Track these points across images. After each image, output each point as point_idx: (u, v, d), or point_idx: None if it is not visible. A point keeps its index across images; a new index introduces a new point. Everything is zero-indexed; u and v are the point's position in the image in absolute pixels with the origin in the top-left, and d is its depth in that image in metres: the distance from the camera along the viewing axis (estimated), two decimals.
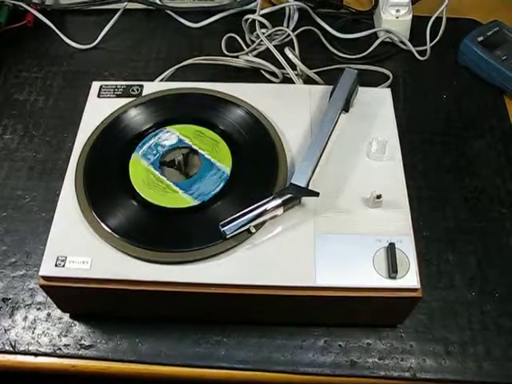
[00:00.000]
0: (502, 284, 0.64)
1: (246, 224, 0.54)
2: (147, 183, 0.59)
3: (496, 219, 0.69)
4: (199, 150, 0.61)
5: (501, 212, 0.70)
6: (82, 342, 0.61)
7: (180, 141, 0.62)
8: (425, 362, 0.60)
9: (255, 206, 0.54)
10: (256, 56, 0.83)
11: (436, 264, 0.66)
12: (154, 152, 0.61)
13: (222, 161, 0.60)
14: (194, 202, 0.57)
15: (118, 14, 0.87)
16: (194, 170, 0.60)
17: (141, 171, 0.60)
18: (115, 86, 0.67)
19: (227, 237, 0.53)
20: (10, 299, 0.64)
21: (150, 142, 0.62)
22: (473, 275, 0.65)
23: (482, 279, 0.65)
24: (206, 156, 0.60)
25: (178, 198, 0.58)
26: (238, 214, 0.54)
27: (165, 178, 0.59)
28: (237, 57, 0.84)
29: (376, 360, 0.60)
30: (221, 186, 0.58)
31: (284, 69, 0.79)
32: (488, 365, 0.59)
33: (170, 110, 0.65)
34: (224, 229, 0.53)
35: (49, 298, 0.62)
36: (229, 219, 0.54)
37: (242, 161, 0.60)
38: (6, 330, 0.62)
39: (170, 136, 0.62)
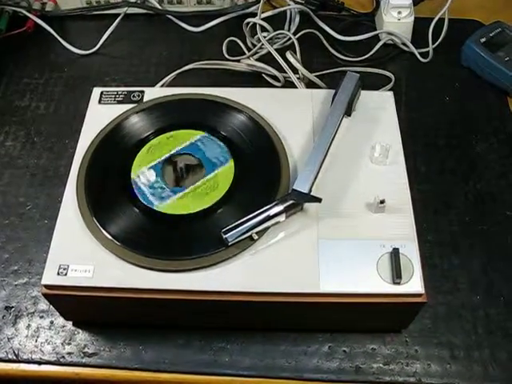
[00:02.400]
0: (507, 287, 0.64)
1: (248, 231, 0.53)
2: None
3: (501, 222, 0.69)
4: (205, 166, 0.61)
5: (505, 215, 0.69)
6: (86, 349, 0.61)
7: (196, 149, 0.62)
8: (430, 366, 0.59)
9: (257, 212, 0.54)
10: (257, 60, 0.83)
11: (440, 268, 0.65)
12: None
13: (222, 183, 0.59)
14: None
15: (118, 19, 0.87)
16: (187, 183, 0.60)
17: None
18: (116, 92, 0.67)
19: (229, 244, 0.53)
20: (12, 307, 0.64)
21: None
22: (478, 279, 0.65)
23: (487, 283, 0.64)
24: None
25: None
26: (239, 221, 0.54)
27: (154, 173, 0.59)
28: (238, 61, 0.84)
29: (381, 365, 0.59)
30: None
31: (286, 72, 0.79)
32: (493, 369, 0.59)
33: (171, 116, 0.64)
34: (226, 236, 0.53)
35: (52, 306, 0.62)
36: (231, 226, 0.54)
37: (244, 166, 0.60)
38: (9, 339, 0.61)
39: (188, 140, 0.62)
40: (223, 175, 0.59)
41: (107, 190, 0.59)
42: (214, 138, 0.62)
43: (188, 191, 0.58)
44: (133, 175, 0.60)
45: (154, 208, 0.57)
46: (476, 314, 0.62)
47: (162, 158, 0.61)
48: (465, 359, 0.60)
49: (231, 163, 0.60)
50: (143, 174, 0.59)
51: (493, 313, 0.62)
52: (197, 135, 0.63)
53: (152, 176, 0.59)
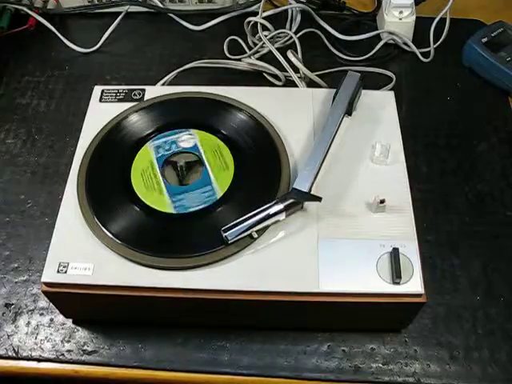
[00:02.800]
0: (507, 288, 0.64)
1: (248, 229, 0.53)
2: (143, 174, 0.59)
3: (501, 222, 0.69)
4: (206, 164, 0.60)
5: (506, 215, 0.69)
6: (85, 347, 0.61)
7: (195, 147, 0.62)
8: (429, 366, 0.59)
9: (257, 211, 0.54)
10: (258, 59, 0.83)
11: (440, 268, 0.65)
12: (167, 148, 0.61)
13: (221, 184, 0.59)
14: (171, 210, 0.57)
15: (119, 18, 0.87)
16: (191, 180, 0.60)
17: (144, 161, 0.60)
18: (117, 90, 0.67)
19: (229, 242, 0.53)
20: (12, 304, 0.64)
21: (169, 138, 0.62)
22: (477, 279, 0.64)
23: (487, 283, 0.64)
24: (209, 172, 0.60)
25: (159, 199, 0.58)
26: (240, 219, 0.54)
27: (160, 176, 0.59)
28: (239, 60, 0.84)
29: (380, 365, 0.59)
30: (202, 206, 0.57)
31: (287, 71, 0.79)
32: (493, 369, 0.59)
33: (171, 115, 0.64)
34: (226, 234, 0.53)
35: (51, 304, 0.62)
36: (231, 224, 0.54)
37: (244, 165, 0.60)
38: (9, 336, 0.62)
39: (189, 139, 0.62)
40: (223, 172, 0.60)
41: (107, 188, 0.59)
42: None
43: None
44: (133, 175, 0.59)
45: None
46: (476, 315, 0.62)
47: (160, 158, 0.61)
48: (464, 360, 0.60)
49: (231, 159, 0.61)
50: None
51: (492, 313, 0.62)
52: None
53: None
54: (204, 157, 0.61)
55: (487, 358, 0.60)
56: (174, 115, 0.64)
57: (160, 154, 0.61)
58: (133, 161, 0.61)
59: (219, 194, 0.58)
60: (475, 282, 0.64)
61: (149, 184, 0.58)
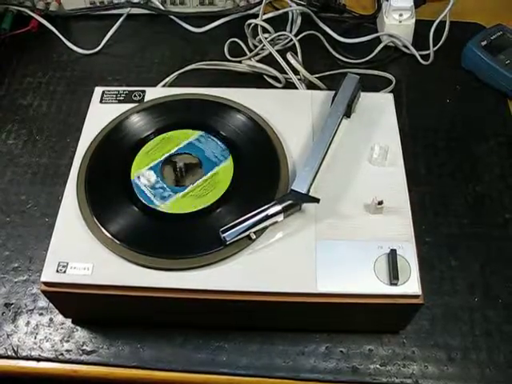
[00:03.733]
0: (505, 290, 0.64)
1: (246, 230, 0.54)
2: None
3: (499, 224, 0.69)
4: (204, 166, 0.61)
5: (504, 217, 0.69)
6: (84, 347, 0.61)
7: (199, 150, 0.62)
8: (427, 368, 0.59)
9: (255, 212, 0.54)
10: (259, 61, 0.83)
11: (439, 269, 0.65)
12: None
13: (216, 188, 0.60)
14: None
15: (121, 20, 0.88)
16: (187, 182, 0.60)
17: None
18: (117, 91, 0.67)
19: (227, 243, 0.53)
20: (12, 304, 0.64)
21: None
22: (476, 281, 0.65)
23: (485, 285, 0.64)
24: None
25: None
26: (238, 220, 0.54)
27: (153, 174, 0.60)
28: (239, 62, 0.84)
29: (378, 366, 0.60)
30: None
31: (287, 73, 0.79)
32: (491, 371, 0.59)
33: (171, 116, 0.65)
34: (224, 235, 0.53)
35: (51, 303, 0.62)
36: (229, 225, 0.54)
37: (243, 166, 0.60)
38: (8, 335, 0.62)
39: (188, 139, 0.63)
40: (222, 174, 0.60)
41: (107, 189, 0.59)
42: (211, 136, 0.63)
43: (188, 191, 0.59)
44: (133, 176, 0.60)
45: (156, 208, 0.57)
46: (473, 316, 0.62)
47: (161, 158, 0.61)
48: (462, 361, 0.60)
49: (230, 161, 0.61)
50: (143, 176, 0.60)
51: (490, 315, 0.62)
52: (194, 134, 0.63)
53: (152, 177, 0.60)
54: (203, 159, 0.61)
55: (485, 359, 0.60)
56: (174, 117, 0.65)
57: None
58: (133, 162, 0.61)
59: (212, 201, 0.58)
60: (473, 284, 0.64)
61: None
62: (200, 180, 0.60)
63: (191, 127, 0.64)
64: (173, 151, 0.62)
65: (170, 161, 0.61)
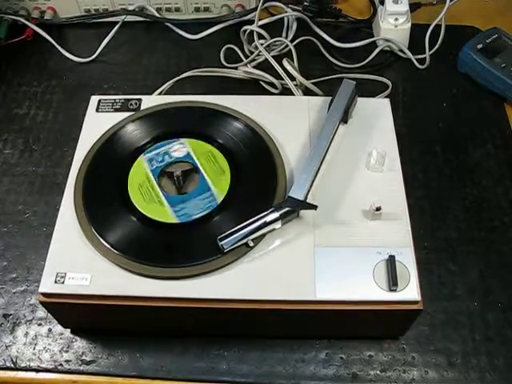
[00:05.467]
0: (504, 294, 0.64)
1: (243, 238, 0.54)
2: (140, 187, 0.59)
3: (498, 228, 0.69)
4: (202, 171, 0.61)
5: (502, 221, 0.69)
6: (84, 357, 0.61)
7: (188, 156, 0.62)
8: (427, 373, 0.59)
9: (253, 219, 0.54)
10: (255, 67, 0.84)
11: (437, 274, 0.65)
12: (160, 159, 0.61)
13: (220, 188, 0.59)
14: (174, 220, 0.57)
15: (116, 27, 0.88)
16: (189, 188, 0.60)
17: (140, 174, 0.60)
18: (114, 100, 0.67)
19: (225, 251, 0.53)
20: (10, 315, 0.64)
21: (161, 149, 0.62)
22: (475, 285, 0.65)
23: (485, 289, 0.64)
24: (206, 178, 0.60)
25: (161, 211, 0.58)
26: (235, 228, 0.54)
27: (158, 188, 0.59)
28: (236, 68, 0.84)
29: (378, 372, 0.59)
30: (205, 212, 0.57)
31: (283, 79, 0.79)
32: (491, 376, 0.59)
33: (167, 124, 0.65)
34: (222, 243, 0.53)
35: (50, 314, 0.62)
36: (227, 233, 0.54)
37: (240, 174, 0.60)
38: (7, 347, 0.62)
39: (181, 148, 0.62)
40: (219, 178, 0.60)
41: (105, 199, 0.59)
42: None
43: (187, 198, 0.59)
44: (130, 188, 0.60)
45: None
46: (473, 321, 0.62)
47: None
48: (462, 366, 0.60)
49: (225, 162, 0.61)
50: None
51: (490, 319, 0.62)
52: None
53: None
54: (198, 163, 0.61)
55: (485, 364, 0.60)
56: (170, 125, 0.65)
57: (154, 167, 0.61)
58: (130, 171, 0.61)
59: (219, 198, 0.58)
60: (472, 288, 0.64)
61: (148, 197, 0.58)
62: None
63: (188, 136, 0.63)
64: (164, 162, 0.62)
65: (164, 172, 0.61)
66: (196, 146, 0.63)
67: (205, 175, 0.60)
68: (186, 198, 0.59)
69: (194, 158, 0.62)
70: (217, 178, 0.60)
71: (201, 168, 0.61)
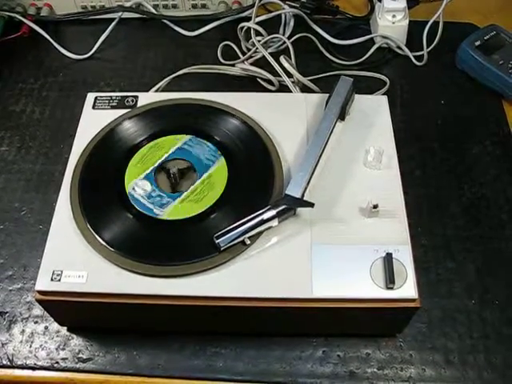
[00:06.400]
0: (502, 291, 0.64)
1: (240, 236, 0.53)
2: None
3: (495, 226, 0.69)
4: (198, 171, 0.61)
5: (500, 218, 0.69)
6: (80, 355, 0.61)
7: (190, 154, 0.62)
8: (424, 371, 0.59)
9: (249, 217, 0.54)
10: (252, 64, 0.83)
11: (435, 272, 0.65)
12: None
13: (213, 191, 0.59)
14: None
15: (113, 24, 0.87)
16: (184, 187, 0.60)
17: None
18: (110, 97, 0.67)
19: (222, 249, 0.53)
20: (7, 313, 0.64)
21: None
22: (472, 283, 0.65)
23: (482, 287, 0.64)
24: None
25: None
26: (232, 226, 0.54)
27: (154, 185, 0.59)
28: (233, 65, 0.84)
29: (375, 370, 0.59)
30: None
31: (280, 76, 0.79)
32: (488, 374, 0.59)
33: (163, 122, 0.64)
34: (218, 241, 0.53)
35: (46, 312, 0.62)
36: (223, 231, 0.54)
37: (237, 171, 0.60)
38: (3, 344, 0.61)
39: (179, 145, 0.62)
40: (216, 177, 0.60)
41: (101, 196, 0.59)
42: (200, 139, 0.63)
43: (186, 196, 0.58)
44: (127, 185, 0.59)
45: (157, 217, 0.57)
46: (471, 319, 0.62)
47: (153, 166, 0.61)
48: (459, 364, 0.60)
49: (223, 161, 0.61)
50: (138, 186, 0.59)
51: (488, 317, 0.62)
52: (183, 139, 0.63)
53: (147, 186, 0.59)
54: (195, 161, 0.61)
55: (483, 362, 0.60)
56: (166, 122, 0.64)
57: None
58: (126, 168, 0.61)
59: (211, 202, 0.58)
60: (470, 286, 0.64)
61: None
62: (196, 183, 0.59)
63: (184, 132, 0.63)
64: (163, 158, 0.61)
65: (162, 168, 0.61)
66: (193, 144, 0.62)
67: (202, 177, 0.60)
68: (176, 197, 0.58)
69: (192, 158, 0.61)
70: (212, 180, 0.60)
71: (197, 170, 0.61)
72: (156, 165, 0.61)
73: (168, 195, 0.58)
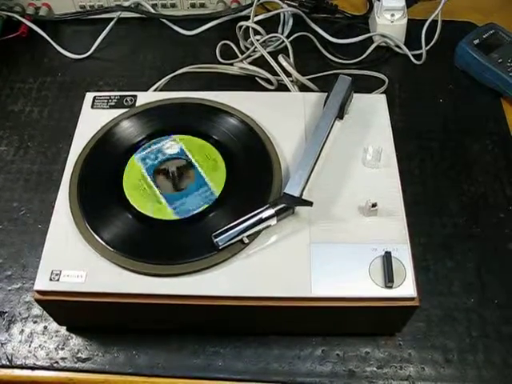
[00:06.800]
0: (501, 290, 0.64)
1: (238, 234, 0.53)
2: (137, 187, 0.59)
3: (494, 224, 0.69)
4: (196, 166, 0.60)
5: (499, 217, 0.69)
6: (79, 354, 0.61)
7: (182, 152, 0.62)
8: (424, 370, 0.59)
9: (248, 216, 0.54)
10: (251, 63, 0.83)
11: (434, 270, 0.65)
12: (153, 157, 0.61)
13: (216, 182, 0.59)
14: (173, 217, 0.57)
15: (111, 23, 0.87)
16: (185, 184, 0.60)
17: (135, 174, 0.60)
18: (109, 96, 0.67)
19: (220, 248, 0.53)
20: (6, 313, 0.63)
21: (153, 147, 0.62)
22: (471, 281, 0.64)
23: (481, 285, 0.64)
24: (201, 173, 0.60)
25: (159, 209, 0.57)
26: (230, 225, 0.54)
27: (154, 186, 0.59)
28: (231, 64, 0.84)
29: (374, 369, 0.59)
30: (204, 206, 0.57)
31: (279, 75, 0.79)
32: (488, 372, 0.59)
33: (162, 121, 0.64)
34: (217, 239, 0.53)
35: (45, 311, 0.61)
36: (221, 230, 0.54)
37: (236, 170, 0.60)
38: (2, 344, 0.61)
39: (173, 145, 0.62)
40: (215, 174, 0.60)
41: (99, 196, 0.59)
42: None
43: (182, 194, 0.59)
44: (126, 188, 0.59)
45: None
46: (470, 317, 0.62)
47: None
48: (459, 362, 0.60)
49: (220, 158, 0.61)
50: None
51: (487, 316, 0.62)
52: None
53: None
54: (193, 160, 0.61)
55: (482, 360, 0.60)
56: (165, 121, 0.64)
57: (148, 165, 0.61)
58: (125, 167, 0.61)
59: (217, 193, 0.58)
60: (469, 285, 0.64)
61: (146, 196, 0.58)
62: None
63: (183, 132, 0.63)
64: (159, 159, 0.61)
65: (159, 170, 0.61)
66: (187, 142, 0.62)
67: (201, 171, 0.60)
68: (184, 194, 0.58)
69: (188, 154, 0.61)
70: (212, 171, 0.60)
71: (196, 163, 0.61)
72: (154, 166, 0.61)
73: (170, 196, 0.59)
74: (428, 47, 0.85)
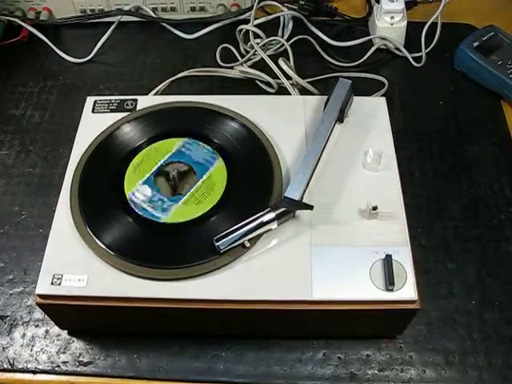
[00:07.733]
0: (502, 292, 0.64)
1: (239, 238, 0.53)
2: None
3: (495, 226, 0.69)
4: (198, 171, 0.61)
5: (499, 219, 0.69)
6: (81, 358, 0.61)
7: (184, 156, 0.62)
8: (425, 372, 0.59)
9: (249, 220, 0.54)
10: (251, 66, 0.83)
11: (435, 273, 0.65)
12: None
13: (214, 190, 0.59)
14: (159, 220, 0.57)
15: (112, 27, 0.87)
16: (184, 189, 0.60)
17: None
18: (109, 100, 0.67)
19: (221, 251, 0.53)
20: (7, 317, 0.64)
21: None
22: (472, 284, 0.65)
23: (482, 288, 0.64)
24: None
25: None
26: (231, 229, 0.54)
27: (154, 189, 0.59)
28: (232, 68, 0.84)
29: (376, 372, 0.59)
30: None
31: (279, 79, 0.79)
32: (489, 374, 0.59)
33: (163, 125, 0.64)
34: (218, 243, 0.53)
35: (47, 315, 0.62)
36: (223, 234, 0.54)
37: (236, 173, 0.60)
38: (4, 348, 0.62)
39: (184, 149, 0.62)
40: (216, 178, 0.60)
41: (101, 200, 0.59)
42: (196, 140, 0.63)
43: (187, 198, 0.58)
44: (126, 189, 0.59)
45: (159, 221, 0.57)
46: (471, 320, 0.62)
47: (152, 170, 0.61)
48: (460, 365, 0.60)
49: (221, 162, 0.61)
50: (138, 191, 0.59)
51: (488, 318, 0.62)
52: (179, 142, 0.63)
53: (147, 191, 0.59)
54: (194, 163, 0.61)
55: (483, 362, 0.60)
56: (166, 125, 0.65)
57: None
58: (126, 171, 0.61)
59: (213, 203, 0.58)
60: (470, 287, 0.64)
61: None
62: (198, 183, 0.59)
63: (182, 135, 0.63)
64: (161, 162, 0.61)
65: (161, 172, 0.61)
66: (191, 146, 0.62)
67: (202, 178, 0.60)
68: (179, 199, 0.59)
69: (190, 158, 0.61)
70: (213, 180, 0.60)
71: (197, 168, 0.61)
72: (155, 169, 0.61)
73: (170, 199, 0.58)
74: (428, 49, 0.86)
